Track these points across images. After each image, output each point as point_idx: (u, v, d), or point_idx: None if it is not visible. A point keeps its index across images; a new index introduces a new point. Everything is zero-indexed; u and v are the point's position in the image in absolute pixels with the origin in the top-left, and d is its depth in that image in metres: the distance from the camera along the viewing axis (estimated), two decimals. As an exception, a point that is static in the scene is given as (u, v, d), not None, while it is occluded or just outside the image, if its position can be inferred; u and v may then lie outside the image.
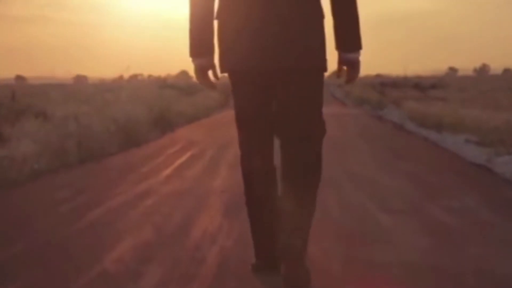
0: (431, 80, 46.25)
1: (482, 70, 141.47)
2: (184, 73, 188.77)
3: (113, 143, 9.81)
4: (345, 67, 2.99)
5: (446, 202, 5.00)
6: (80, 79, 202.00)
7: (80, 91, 34.43)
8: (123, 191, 5.61)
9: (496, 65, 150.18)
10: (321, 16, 2.94)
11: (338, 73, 3.04)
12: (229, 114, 18.39)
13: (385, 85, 41.11)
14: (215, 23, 2.96)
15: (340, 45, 2.97)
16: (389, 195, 5.38)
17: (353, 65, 2.97)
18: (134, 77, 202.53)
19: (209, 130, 12.76)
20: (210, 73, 3.06)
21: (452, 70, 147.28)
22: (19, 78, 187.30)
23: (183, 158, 8.07)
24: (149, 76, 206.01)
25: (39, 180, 6.43)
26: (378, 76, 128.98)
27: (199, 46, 2.97)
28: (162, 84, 44.20)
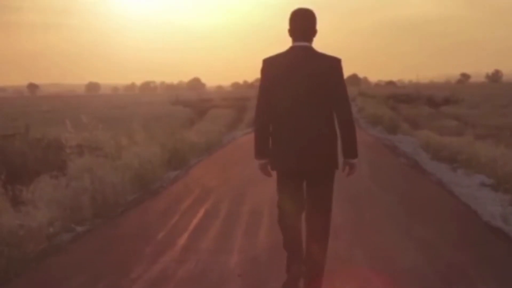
0: (444, 93, 46.03)
1: (495, 76, 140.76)
2: (196, 80, 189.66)
3: (128, 192, 9.86)
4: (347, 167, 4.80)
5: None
6: (92, 87, 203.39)
7: (92, 110, 34.47)
8: (139, 276, 5.60)
9: (509, 71, 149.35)
10: (335, 137, 4.69)
11: (343, 169, 4.80)
12: (241, 142, 18.28)
13: (398, 99, 40.98)
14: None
15: (344, 154, 4.77)
16: (406, 280, 5.35)
17: (352, 166, 4.80)
18: (146, 84, 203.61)
19: (223, 169, 12.76)
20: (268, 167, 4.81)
21: (464, 76, 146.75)
22: (31, 86, 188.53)
23: (197, 218, 8.06)
24: (162, 83, 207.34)
25: (55, 255, 6.44)
26: (390, 83, 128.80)
27: (261, 153, 4.77)
28: (174, 100, 44.51)
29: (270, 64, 4.72)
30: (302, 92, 4.61)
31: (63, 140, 10.09)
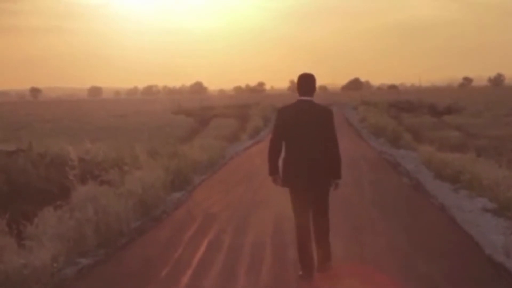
0: (446, 101, 46.04)
1: (497, 80, 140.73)
2: (198, 84, 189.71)
3: (131, 219, 9.87)
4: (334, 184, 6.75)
5: None
6: (94, 91, 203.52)
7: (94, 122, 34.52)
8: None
9: (511, 74, 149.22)
10: (327, 162, 6.61)
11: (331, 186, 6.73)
12: (242, 159, 18.17)
13: (400, 107, 41.01)
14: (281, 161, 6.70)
15: (332, 176, 6.66)
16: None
17: (337, 184, 6.73)
18: (148, 88, 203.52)
19: (225, 191, 12.78)
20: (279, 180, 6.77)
21: (467, 80, 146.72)
22: (34, 90, 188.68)
23: (201, 250, 8.08)
24: (164, 87, 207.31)
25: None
26: (392, 87, 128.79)
27: (273, 170, 6.67)
28: (177, 109, 44.64)
29: (283, 112, 6.73)
30: (305, 132, 6.55)
31: (67, 168, 10.07)
